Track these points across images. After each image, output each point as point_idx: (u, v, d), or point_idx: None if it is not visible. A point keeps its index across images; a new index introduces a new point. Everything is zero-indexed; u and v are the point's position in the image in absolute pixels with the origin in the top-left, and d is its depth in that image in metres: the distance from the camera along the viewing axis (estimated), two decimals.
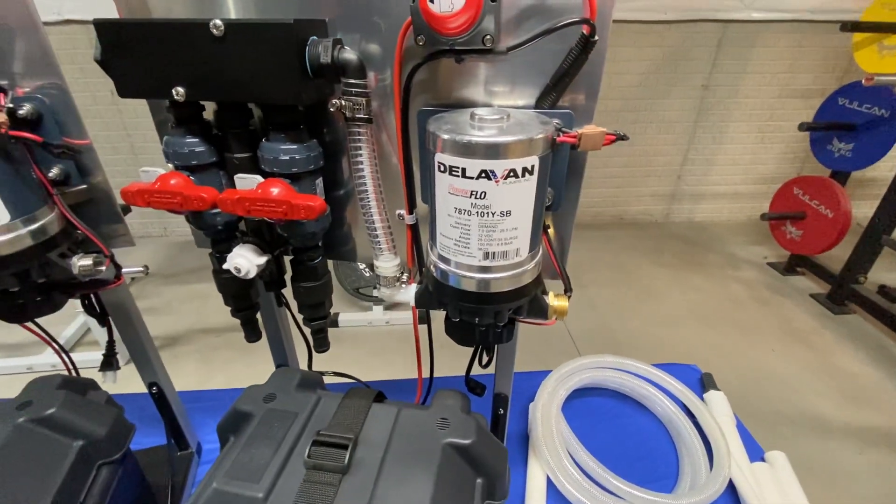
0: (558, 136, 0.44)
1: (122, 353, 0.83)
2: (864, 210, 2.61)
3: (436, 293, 0.51)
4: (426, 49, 0.48)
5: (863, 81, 2.02)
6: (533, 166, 0.41)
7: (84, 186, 0.64)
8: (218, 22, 0.43)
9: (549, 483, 0.87)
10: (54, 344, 0.78)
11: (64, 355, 0.79)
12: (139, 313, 0.79)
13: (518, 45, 0.46)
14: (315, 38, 0.46)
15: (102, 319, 0.75)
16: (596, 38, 0.44)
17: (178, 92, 0.48)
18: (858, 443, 1.87)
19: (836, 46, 2.87)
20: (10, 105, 0.53)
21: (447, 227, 0.45)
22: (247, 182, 0.50)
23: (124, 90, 0.49)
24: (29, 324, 0.69)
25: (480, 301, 0.49)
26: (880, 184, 2.42)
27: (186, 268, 3.01)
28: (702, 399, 1.03)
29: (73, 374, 0.76)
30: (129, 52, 0.47)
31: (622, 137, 0.45)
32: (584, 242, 3.30)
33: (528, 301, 0.51)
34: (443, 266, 0.49)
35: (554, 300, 0.52)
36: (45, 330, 0.73)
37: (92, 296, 0.73)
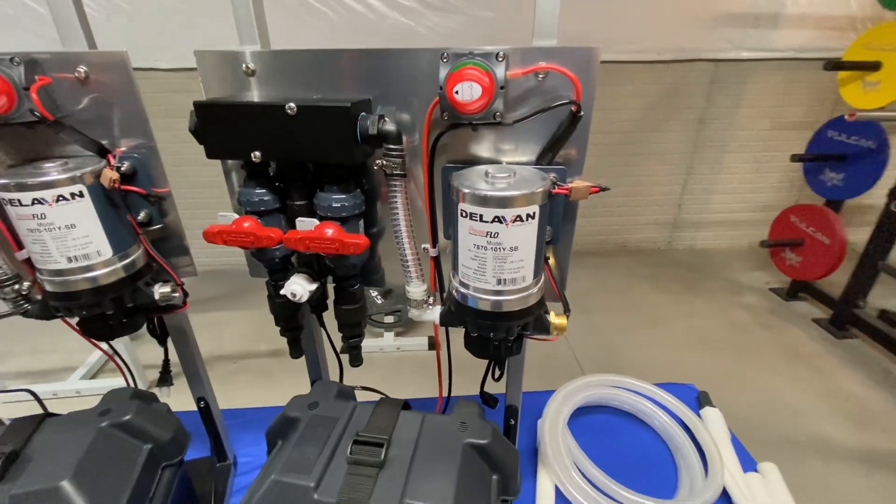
0: (554, 188, 0.57)
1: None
2: (861, 236, 2.72)
3: (458, 313, 0.64)
4: (449, 121, 0.62)
5: (846, 117, 2.17)
6: (535, 213, 0.54)
7: (160, 226, 0.77)
8: (292, 105, 0.58)
9: (558, 492, 0.97)
10: (120, 362, 0.90)
11: (128, 374, 0.91)
12: (194, 335, 0.91)
13: (521, 119, 0.60)
14: (364, 114, 0.61)
15: (163, 340, 0.88)
16: (581, 114, 0.58)
17: (256, 155, 0.62)
18: (864, 465, 1.93)
19: (826, 81, 3.05)
20: (118, 164, 0.67)
21: (467, 259, 0.58)
22: (306, 224, 0.64)
23: (212, 153, 0.64)
24: (102, 345, 0.82)
25: (495, 319, 0.61)
26: (876, 210, 2.53)
27: (203, 297, 3.14)
28: (698, 415, 1.13)
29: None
30: (219, 125, 0.62)
31: (604, 189, 0.58)
32: (589, 270, 3.42)
33: (534, 319, 0.63)
34: (463, 290, 0.62)
35: (555, 318, 0.64)
36: (113, 349, 0.86)
37: (156, 319, 0.85)
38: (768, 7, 2.87)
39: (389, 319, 2.66)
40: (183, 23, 2.76)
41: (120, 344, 2.45)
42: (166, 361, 0.93)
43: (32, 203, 0.59)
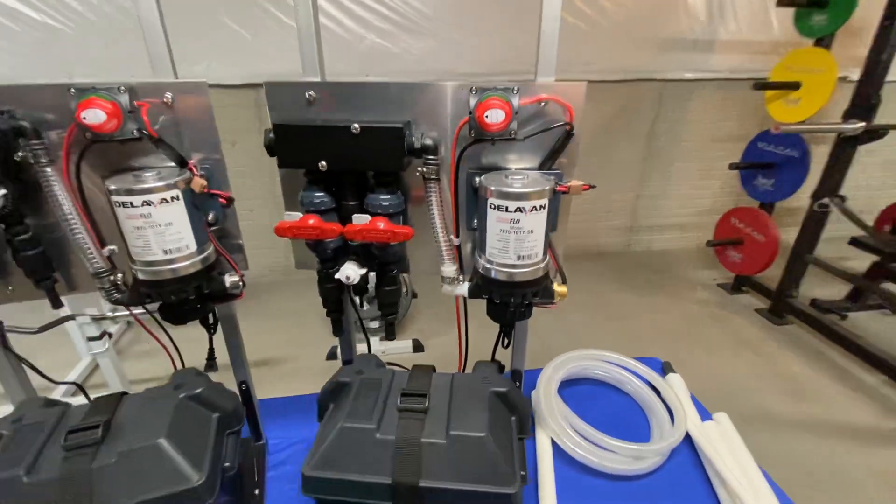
0: (557, 187, 0.77)
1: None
2: (792, 235, 3.11)
3: (484, 285, 0.83)
4: (473, 137, 0.81)
5: (772, 130, 2.55)
6: (545, 204, 0.75)
7: (221, 226, 0.92)
8: (356, 125, 0.75)
9: (555, 446, 1.16)
10: (171, 351, 1.03)
11: (178, 359, 1.03)
12: (238, 323, 1.05)
13: (530, 136, 0.80)
14: (409, 132, 0.79)
15: (215, 327, 1.01)
16: (574, 132, 0.79)
17: (322, 165, 0.79)
18: (801, 431, 2.24)
19: (756, 99, 3.48)
20: (201, 173, 0.82)
21: (494, 241, 0.78)
22: (361, 219, 0.81)
23: (284, 163, 0.80)
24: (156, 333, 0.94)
25: (513, 287, 0.80)
26: (802, 211, 2.93)
27: None
28: (664, 379, 1.36)
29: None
30: (292, 141, 0.78)
31: (592, 186, 0.79)
32: None
33: (542, 288, 0.83)
34: (488, 266, 0.81)
35: (558, 287, 0.84)
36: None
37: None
38: (704, 34, 3.27)
39: (374, 325, 2.80)
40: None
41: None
42: (211, 349, 1.06)
43: (142, 205, 0.73)
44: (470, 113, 0.77)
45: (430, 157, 0.79)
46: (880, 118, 2.61)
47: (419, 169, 0.81)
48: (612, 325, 3.07)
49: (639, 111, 3.51)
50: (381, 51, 3.02)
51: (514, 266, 0.79)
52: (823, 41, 2.77)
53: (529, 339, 1.08)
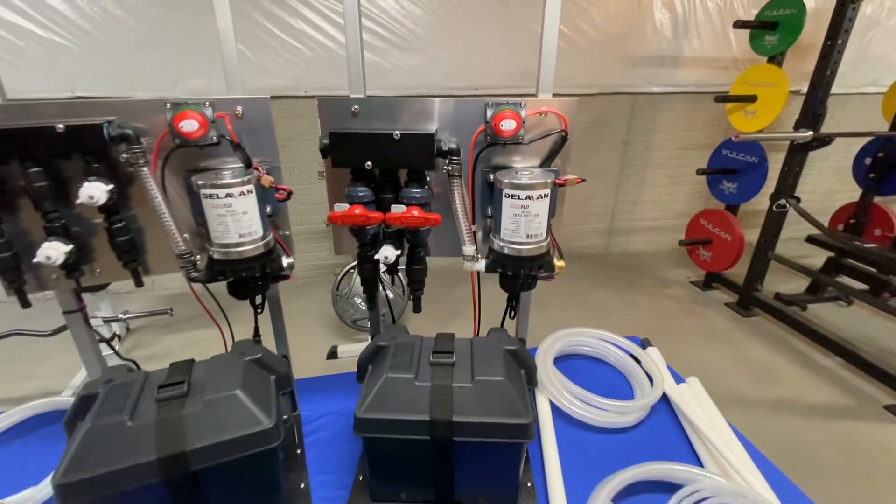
0: (556, 179, 0.99)
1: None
2: (757, 235, 3.43)
3: (498, 260, 1.03)
4: (488, 142, 1.03)
5: (733, 138, 2.85)
6: (548, 193, 0.96)
7: (275, 218, 1.10)
8: (398, 132, 0.96)
9: (553, 407, 1.36)
10: (222, 325, 1.19)
11: (228, 332, 1.20)
12: (281, 304, 1.22)
13: (533, 140, 1.02)
14: (438, 138, 1.00)
15: (262, 307, 1.18)
16: (567, 137, 1.01)
17: (368, 164, 0.99)
18: (768, 410, 2.50)
19: (719, 110, 3.84)
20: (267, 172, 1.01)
21: (508, 223, 0.99)
22: (399, 208, 1.01)
23: (337, 164, 1.00)
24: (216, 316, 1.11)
25: (522, 261, 1.01)
26: (764, 212, 3.24)
27: (180, 317, 3.27)
28: (644, 351, 1.58)
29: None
30: (344, 146, 0.98)
31: (583, 180, 1.01)
32: None
33: (545, 262, 1.04)
34: (503, 244, 1.02)
35: (557, 262, 1.05)
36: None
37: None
38: (670, 51, 3.61)
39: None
40: (160, 58, 3.01)
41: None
42: (256, 327, 1.23)
43: (225, 196, 0.92)
44: (486, 122, 0.99)
45: (455, 157, 1.00)
46: (827, 127, 2.95)
47: (445, 167, 1.01)
48: (593, 322, 3.28)
49: (614, 122, 3.81)
50: (374, 66, 3.24)
51: (523, 243, 1.00)
52: (776, 58, 3.12)
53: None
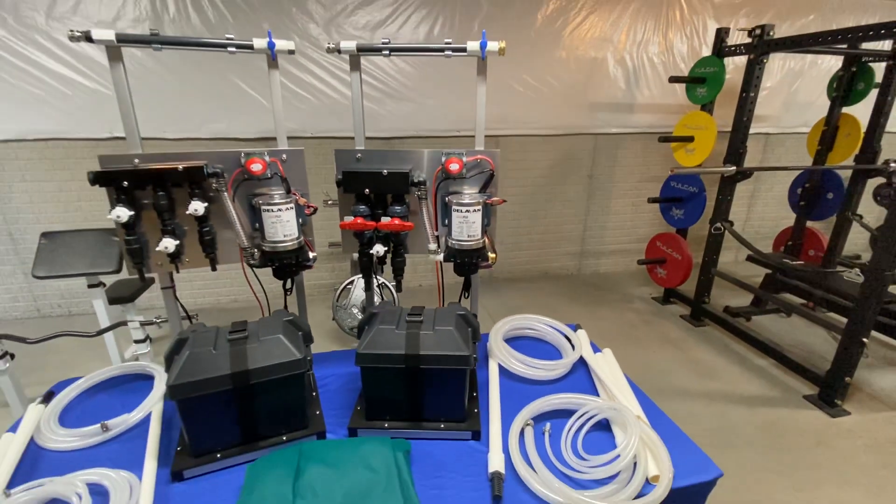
0: (486, 200, 1.58)
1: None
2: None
3: (452, 253, 1.61)
4: (443, 177, 1.63)
5: (670, 171, 3.49)
6: (480, 208, 1.55)
7: (304, 225, 1.68)
8: (385, 171, 1.56)
9: (501, 368, 1.90)
10: (262, 296, 1.75)
11: (265, 300, 1.76)
12: (304, 286, 1.78)
13: (472, 175, 1.62)
14: (412, 174, 1.60)
15: (291, 290, 1.74)
16: (495, 174, 1.61)
17: (367, 191, 1.58)
18: (707, 401, 3.01)
19: (667, 148, 4.51)
20: (302, 195, 1.59)
21: (456, 228, 1.58)
22: (386, 219, 1.59)
23: (347, 191, 1.59)
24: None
25: (466, 253, 1.59)
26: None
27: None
28: (575, 332, 2.13)
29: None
30: (351, 179, 1.58)
31: (504, 201, 1.60)
32: (520, 291, 4.50)
33: (482, 253, 1.62)
34: (454, 242, 1.61)
35: (490, 254, 1.63)
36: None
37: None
38: (625, 98, 4.32)
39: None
40: (188, 105, 3.67)
41: None
42: (286, 302, 1.79)
43: (276, 210, 1.50)
44: (441, 164, 1.59)
45: (423, 186, 1.60)
46: (769, 161, 3.59)
47: (416, 193, 1.60)
48: None
49: (579, 158, 4.48)
50: (371, 112, 3.91)
51: (465, 241, 1.58)
52: (707, 106, 3.81)
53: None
